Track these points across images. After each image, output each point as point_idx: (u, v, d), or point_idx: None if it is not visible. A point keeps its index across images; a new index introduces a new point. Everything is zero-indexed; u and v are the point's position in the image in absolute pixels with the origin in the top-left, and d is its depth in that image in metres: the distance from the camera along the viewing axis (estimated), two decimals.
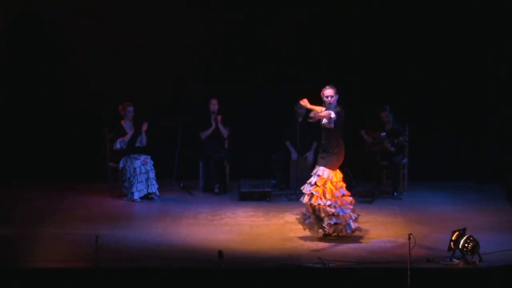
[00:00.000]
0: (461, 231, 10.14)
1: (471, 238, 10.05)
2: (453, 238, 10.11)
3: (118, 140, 13.70)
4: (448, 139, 14.79)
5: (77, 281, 9.70)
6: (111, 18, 14.65)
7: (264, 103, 14.74)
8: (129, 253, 10.52)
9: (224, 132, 14.26)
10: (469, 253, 10.01)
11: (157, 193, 13.69)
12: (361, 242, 11.06)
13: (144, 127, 13.76)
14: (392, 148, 13.62)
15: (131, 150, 13.78)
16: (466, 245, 10.02)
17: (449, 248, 10.12)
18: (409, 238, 9.52)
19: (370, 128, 13.90)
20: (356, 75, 14.64)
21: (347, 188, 11.37)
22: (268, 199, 13.54)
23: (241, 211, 12.89)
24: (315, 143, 13.92)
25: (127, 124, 13.83)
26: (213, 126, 14.18)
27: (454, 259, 10.02)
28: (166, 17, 14.67)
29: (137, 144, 13.84)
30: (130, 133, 13.74)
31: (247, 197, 13.56)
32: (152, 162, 13.66)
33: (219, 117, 14.16)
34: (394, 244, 10.92)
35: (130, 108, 13.79)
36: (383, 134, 13.64)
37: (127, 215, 12.80)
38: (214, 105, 14.21)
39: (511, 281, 9.66)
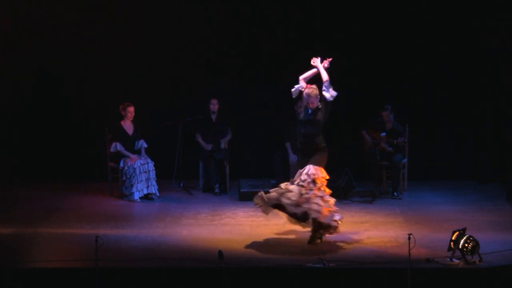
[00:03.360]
0: (461, 231, 10.13)
1: (471, 238, 10.04)
2: (453, 238, 10.10)
3: (118, 144, 13.65)
4: (448, 139, 14.79)
5: (77, 281, 9.70)
6: (112, 18, 14.66)
7: (264, 103, 14.74)
8: (129, 253, 10.49)
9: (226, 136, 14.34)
10: (469, 253, 10.00)
11: (157, 193, 13.68)
12: (361, 242, 11.04)
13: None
14: (390, 149, 13.63)
15: (131, 151, 13.76)
16: (466, 245, 10.00)
17: (449, 248, 10.11)
18: (409, 238, 9.51)
19: (370, 128, 13.90)
20: (356, 75, 14.64)
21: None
22: None
23: (241, 211, 12.89)
24: None
25: (127, 125, 13.83)
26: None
27: (454, 259, 10.01)
28: (166, 17, 14.68)
29: (137, 147, 13.83)
30: (136, 158, 13.62)
31: (247, 197, 13.53)
32: (152, 163, 13.66)
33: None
34: (394, 244, 10.90)
35: (131, 108, 13.79)
36: (383, 134, 13.65)
37: (127, 215, 12.79)
38: (214, 105, 14.23)
39: (511, 281, 9.65)
